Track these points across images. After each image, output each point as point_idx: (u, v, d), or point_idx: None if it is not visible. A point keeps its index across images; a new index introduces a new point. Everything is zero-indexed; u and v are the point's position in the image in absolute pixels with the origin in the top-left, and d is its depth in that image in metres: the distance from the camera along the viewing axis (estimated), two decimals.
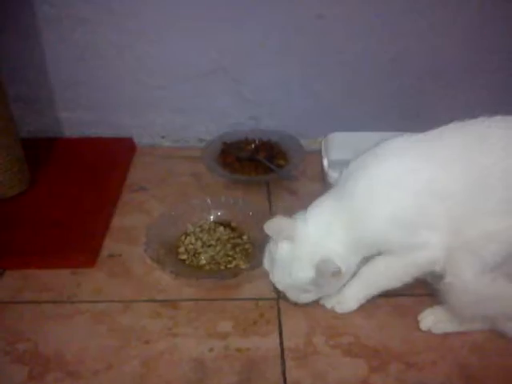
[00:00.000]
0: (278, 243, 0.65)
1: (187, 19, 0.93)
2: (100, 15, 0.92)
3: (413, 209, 0.62)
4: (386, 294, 0.67)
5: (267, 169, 0.93)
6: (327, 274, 0.62)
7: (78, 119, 1.03)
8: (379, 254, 0.66)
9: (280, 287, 0.67)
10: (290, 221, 0.66)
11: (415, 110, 1.00)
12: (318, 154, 0.94)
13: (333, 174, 0.85)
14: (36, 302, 0.71)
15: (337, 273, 0.62)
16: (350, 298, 0.68)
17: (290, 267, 0.64)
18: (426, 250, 0.62)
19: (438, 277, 0.63)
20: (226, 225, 0.81)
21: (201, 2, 0.91)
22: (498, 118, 0.61)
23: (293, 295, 0.67)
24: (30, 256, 0.76)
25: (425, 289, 0.69)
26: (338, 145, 0.92)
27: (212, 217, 0.83)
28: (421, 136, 0.65)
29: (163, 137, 1.05)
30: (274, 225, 0.66)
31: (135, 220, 0.85)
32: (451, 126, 0.63)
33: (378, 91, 1.00)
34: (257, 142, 1.00)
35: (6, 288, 0.73)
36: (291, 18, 0.92)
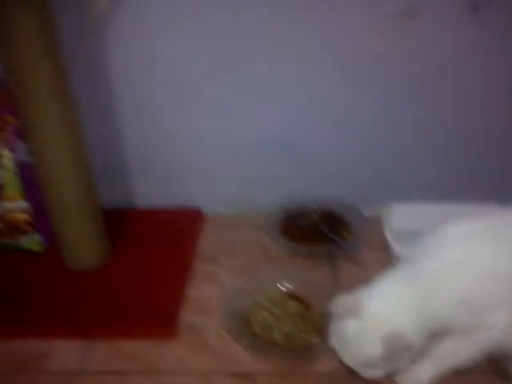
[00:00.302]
0: (345, 321, 0.68)
1: (246, 95, 1.00)
2: (168, 99, 1.01)
3: (479, 293, 0.65)
4: (460, 372, 0.69)
5: (330, 238, 0.97)
6: (398, 348, 0.65)
7: (149, 190, 1.11)
8: (448, 330, 0.68)
9: (350, 364, 0.70)
10: (356, 297, 0.69)
11: (479, 177, 1.03)
12: (379, 222, 0.98)
13: (397, 246, 0.89)
14: (122, 372, 0.76)
15: (408, 347, 0.65)
16: (422, 376, 0.70)
17: (359, 345, 0.67)
18: (494, 330, 0.65)
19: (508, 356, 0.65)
20: (295, 297, 0.85)
21: (254, 82, 0.99)
22: None
23: (363, 371, 0.70)
24: (115, 327, 0.83)
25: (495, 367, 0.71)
26: (401, 216, 0.96)
27: (281, 288, 0.87)
28: (483, 219, 0.69)
29: (228, 205, 1.11)
30: (340, 303, 0.69)
31: (208, 291, 0.90)
32: None
33: (440, 158, 1.03)
34: (318, 210, 1.04)
35: (95, 358, 0.78)
36: (349, 89, 0.98)
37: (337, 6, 0.91)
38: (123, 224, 1.05)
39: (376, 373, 0.69)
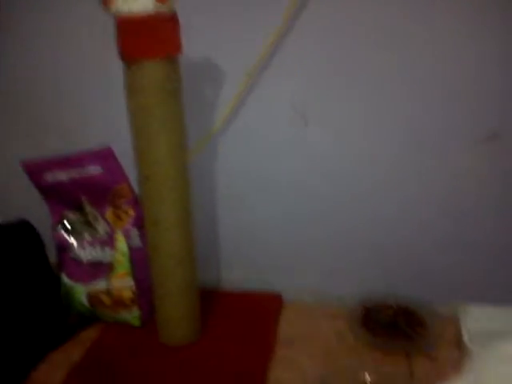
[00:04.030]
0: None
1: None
2: (263, 200, 1.15)
3: None
4: None
5: (406, 334, 1.01)
6: None
7: (235, 275, 1.22)
8: None
9: None
10: None
11: None
12: (456, 321, 1.01)
13: (473, 347, 0.92)
14: None
15: None
16: None
17: None
18: None
19: None
20: None
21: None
22: None
23: None
24: None
25: None
26: (477, 317, 0.99)
27: (361, 379, 0.91)
28: None
29: (308, 293, 1.18)
30: None
31: (287, 375, 0.95)
32: None
33: None
34: (395, 306, 1.09)
35: None
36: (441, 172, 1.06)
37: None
38: (213, 304, 1.15)
39: None
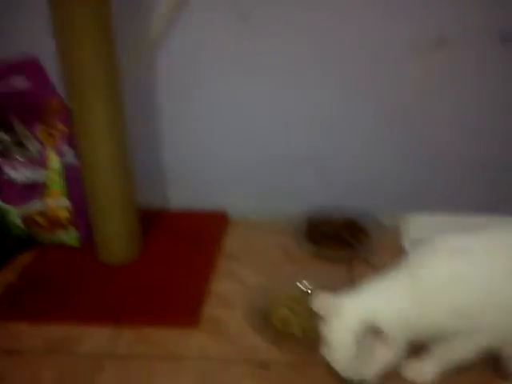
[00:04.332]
0: (327, 320, 0.69)
1: (281, 106, 1.06)
2: (201, 109, 1.09)
3: (470, 304, 0.67)
4: (462, 369, 0.72)
5: (350, 244, 1.02)
6: (371, 332, 0.64)
7: (181, 195, 1.19)
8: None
9: (338, 368, 0.69)
10: (338, 297, 0.71)
11: (498, 189, 1.06)
12: (396, 228, 1.03)
13: (411, 251, 0.92)
14: (146, 356, 0.81)
15: (380, 333, 0.64)
16: (427, 371, 0.74)
17: (339, 340, 0.67)
18: (484, 333, 0.68)
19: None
20: None
21: (289, 97, 1.05)
22: None
23: (349, 371, 0.69)
24: (142, 316, 0.89)
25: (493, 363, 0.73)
26: (418, 225, 1.00)
27: (301, 287, 0.91)
28: (479, 234, 0.71)
29: (253, 210, 1.17)
30: (320, 301, 0.71)
31: (230, 287, 0.95)
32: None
33: (462, 168, 1.07)
34: (340, 218, 1.09)
35: (122, 344, 0.84)
36: (378, 107, 1.03)
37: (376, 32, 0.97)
38: (156, 224, 1.12)
39: (363, 372, 0.68)
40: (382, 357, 0.68)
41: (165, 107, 1.09)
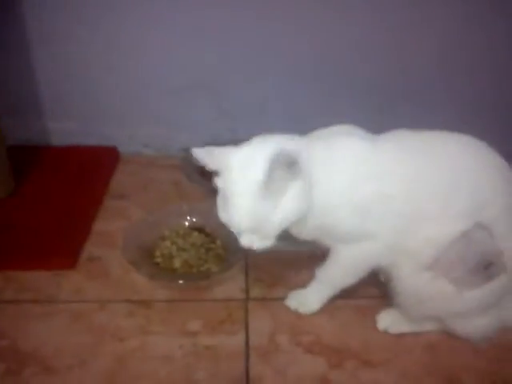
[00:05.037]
0: (226, 172, 0.63)
1: (172, 35, 0.98)
2: (89, 33, 0.98)
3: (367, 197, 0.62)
4: (347, 296, 0.72)
5: None
6: (282, 164, 0.57)
7: (64, 129, 1.08)
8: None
9: (235, 224, 0.63)
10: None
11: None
12: None
13: None
14: (17, 301, 0.74)
15: (292, 164, 0.58)
16: (311, 300, 0.73)
17: (242, 176, 0.61)
18: (373, 241, 0.64)
19: (389, 278, 0.67)
20: (201, 230, 0.86)
21: (186, 20, 0.97)
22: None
23: (253, 222, 0.61)
24: (12, 257, 0.81)
25: (382, 291, 0.73)
26: None
27: (187, 222, 0.87)
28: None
29: (146, 146, 1.09)
30: (208, 155, 0.66)
31: (116, 225, 0.89)
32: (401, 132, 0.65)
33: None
34: None
35: None
36: (270, 37, 0.98)
37: None
38: (36, 161, 1.02)
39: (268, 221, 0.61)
40: (289, 201, 0.60)
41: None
